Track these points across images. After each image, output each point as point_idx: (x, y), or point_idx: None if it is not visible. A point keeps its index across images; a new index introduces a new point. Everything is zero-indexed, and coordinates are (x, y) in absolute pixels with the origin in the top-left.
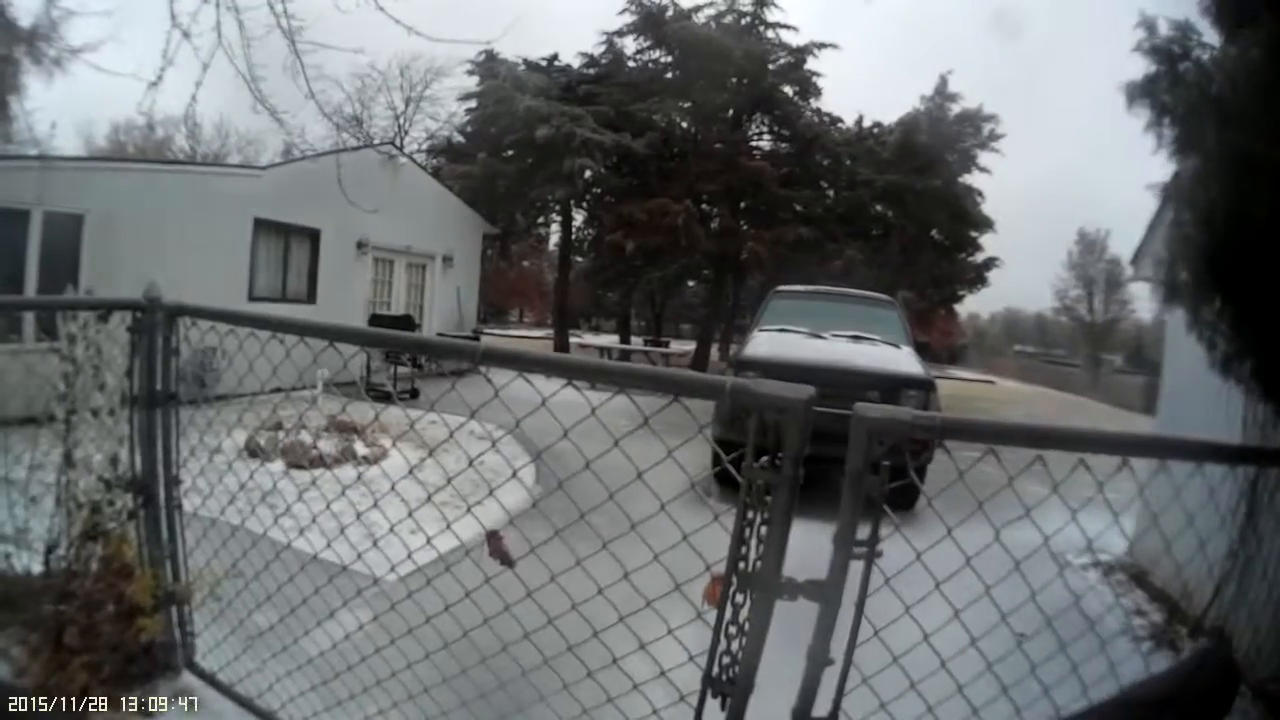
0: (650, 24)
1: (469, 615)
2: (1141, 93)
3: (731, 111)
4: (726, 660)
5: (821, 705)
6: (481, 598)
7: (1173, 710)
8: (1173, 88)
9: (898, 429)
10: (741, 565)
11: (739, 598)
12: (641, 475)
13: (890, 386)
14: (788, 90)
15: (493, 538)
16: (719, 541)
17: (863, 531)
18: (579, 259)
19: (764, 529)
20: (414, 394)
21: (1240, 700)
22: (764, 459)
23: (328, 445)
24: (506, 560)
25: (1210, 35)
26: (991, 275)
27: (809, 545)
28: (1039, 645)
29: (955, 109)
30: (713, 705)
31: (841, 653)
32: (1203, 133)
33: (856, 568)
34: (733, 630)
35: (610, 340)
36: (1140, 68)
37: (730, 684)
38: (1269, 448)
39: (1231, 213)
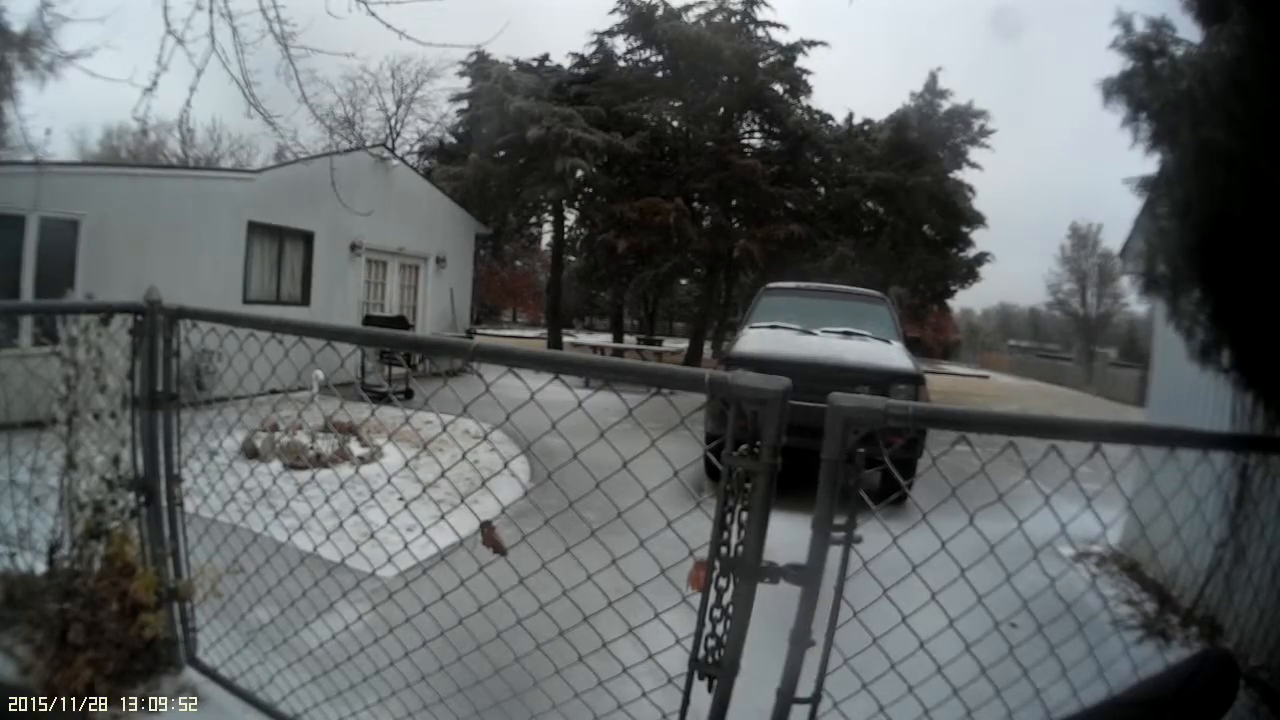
0: (640, 23)
1: (464, 604)
2: (1118, 88)
3: (722, 110)
4: (712, 643)
5: (805, 687)
6: (475, 587)
7: (1172, 710)
8: (1149, 84)
9: (872, 418)
10: (724, 550)
11: (722, 582)
12: (627, 465)
13: (880, 381)
14: (778, 88)
15: (486, 528)
16: (703, 529)
17: (844, 519)
18: (571, 258)
19: (744, 515)
20: (408, 394)
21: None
22: (743, 447)
23: (325, 445)
24: (500, 549)
25: (1186, 31)
26: (984, 270)
27: (802, 538)
28: (1024, 631)
29: (945, 105)
30: (699, 687)
31: (823, 635)
32: (1177, 127)
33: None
34: (717, 614)
35: (604, 339)
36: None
37: (716, 666)
38: (1257, 435)
39: (1206, 205)
